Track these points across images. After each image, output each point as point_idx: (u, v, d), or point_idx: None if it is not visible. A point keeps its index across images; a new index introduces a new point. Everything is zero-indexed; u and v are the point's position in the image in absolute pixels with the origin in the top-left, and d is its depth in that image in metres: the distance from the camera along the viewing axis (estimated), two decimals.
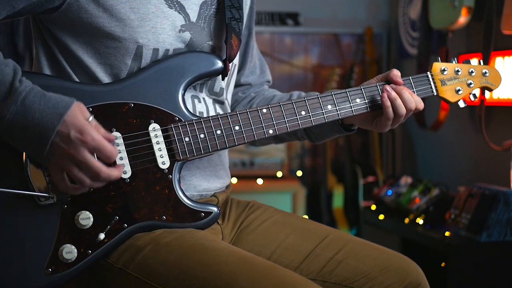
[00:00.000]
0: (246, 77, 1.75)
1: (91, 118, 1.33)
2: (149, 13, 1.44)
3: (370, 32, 4.25)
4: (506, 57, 2.87)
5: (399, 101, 1.51)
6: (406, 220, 3.19)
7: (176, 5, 1.48)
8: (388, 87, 1.52)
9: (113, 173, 1.34)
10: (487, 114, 3.02)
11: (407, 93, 1.52)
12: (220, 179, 1.58)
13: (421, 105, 1.55)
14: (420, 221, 3.12)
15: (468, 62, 1.63)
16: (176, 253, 1.36)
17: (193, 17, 1.50)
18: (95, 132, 1.31)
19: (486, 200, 2.72)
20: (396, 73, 1.54)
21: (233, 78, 1.63)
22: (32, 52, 3.51)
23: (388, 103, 1.51)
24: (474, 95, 1.64)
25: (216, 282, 1.30)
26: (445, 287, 2.74)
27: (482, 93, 2.76)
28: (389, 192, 3.48)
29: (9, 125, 1.29)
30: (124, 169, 1.40)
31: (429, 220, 3.09)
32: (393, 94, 1.51)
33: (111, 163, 1.36)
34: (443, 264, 2.85)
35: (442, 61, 1.62)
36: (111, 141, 1.34)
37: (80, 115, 1.31)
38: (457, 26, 3.11)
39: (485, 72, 1.63)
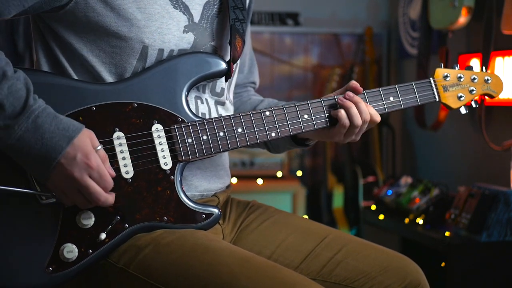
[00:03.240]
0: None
1: (99, 147, 1.35)
2: (155, 13, 1.44)
3: (370, 32, 4.25)
4: (506, 57, 2.87)
5: (354, 110, 1.49)
6: (406, 220, 3.19)
7: (181, 5, 1.48)
8: (341, 97, 1.51)
9: (110, 199, 1.36)
10: (487, 114, 3.03)
11: (363, 104, 1.50)
12: (220, 179, 1.59)
13: (377, 118, 1.52)
14: (420, 221, 3.12)
15: (471, 68, 1.63)
16: (177, 252, 1.36)
17: (196, 18, 1.50)
18: (100, 160, 1.33)
19: (486, 200, 2.73)
20: (355, 83, 1.53)
21: (234, 77, 1.63)
22: (32, 52, 3.51)
23: (342, 111, 1.49)
24: (476, 102, 1.64)
25: (217, 282, 1.30)
26: (445, 287, 2.74)
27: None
28: (389, 192, 3.48)
29: (17, 142, 1.30)
30: (126, 169, 1.40)
31: (429, 220, 3.09)
32: (347, 102, 1.50)
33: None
34: (443, 264, 2.85)
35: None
36: (112, 176, 1.36)
37: (88, 142, 1.33)
38: (457, 26, 3.11)
39: (488, 79, 1.63)
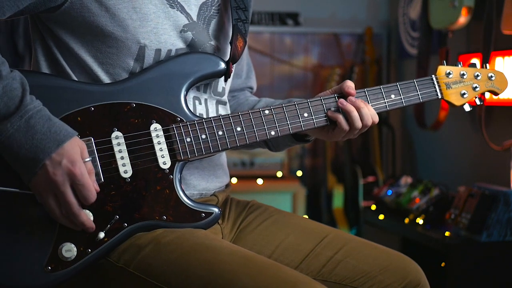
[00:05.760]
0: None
1: (88, 159, 1.34)
2: (150, 13, 1.44)
3: (370, 32, 4.25)
4: (506, 57, 2.87)
5: (355, 114, 1.48)
6: (406, 220, 3.19)
7: (178, 5, 1.48)
8: (342, 100, 1.49)
9: (82, 215, 1.34)
10: (487, 114, 3.03)
11: (365, 109, 1.48)
12: (218, 179, 1.58)
13: (376, 119, 1.51)
14: (420, 221, 3.12)
15: (474, 65, 1.62)
16: (177, 252, 1.36)
17: (193, 18, 1.50)
18: (85, 170, 1.33)
19: (486, 200, 2.72)
20: (349, 85, 1.51)
21: (231, 79, 1.63)
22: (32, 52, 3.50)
23: (341, 116, 1.48)
24: (480, 99, 1.63)
25: (218, 281, 1.30)
26: (445, 287, 2.74)
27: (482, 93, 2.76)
28: (389, 192, 3.48)
29: (8, 139, 1.29)
30: (125, 169, 1.40)
31: (429, 220, 3.09)
32: (349, 106, 1.48)
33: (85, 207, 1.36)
34: (443, 264, 2.85)
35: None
36: (96, 191, 1.35)
37: (77, 150, 1.32)
38: (457, 26, 3.11)
39: (491, 76, 1.62)
